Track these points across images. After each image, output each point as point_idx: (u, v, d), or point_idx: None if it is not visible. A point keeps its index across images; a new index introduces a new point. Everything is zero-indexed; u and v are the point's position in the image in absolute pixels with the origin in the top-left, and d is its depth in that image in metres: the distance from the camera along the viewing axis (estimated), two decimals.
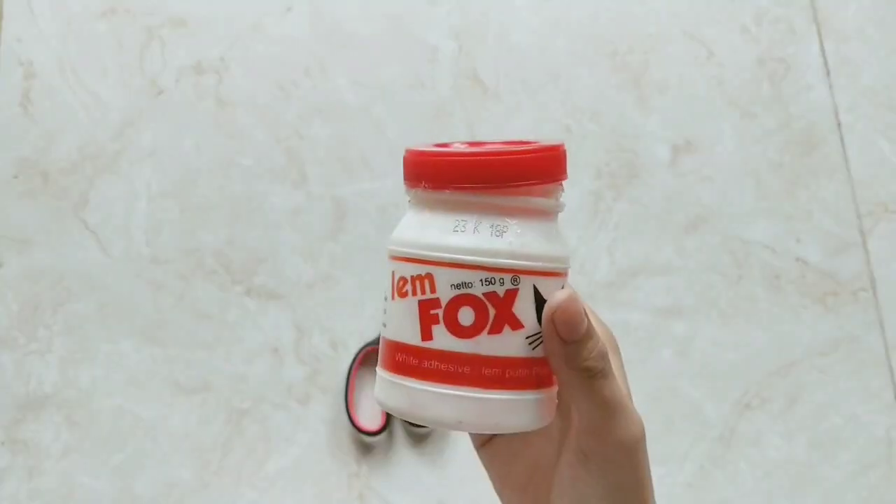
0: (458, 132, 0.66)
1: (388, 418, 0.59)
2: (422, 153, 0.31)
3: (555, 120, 0.67)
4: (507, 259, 0.29)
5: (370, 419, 0.59)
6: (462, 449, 0.60)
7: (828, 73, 0.69)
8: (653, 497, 0.32)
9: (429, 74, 0.67)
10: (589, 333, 0.30)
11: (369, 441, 0.59)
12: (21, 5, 0.67)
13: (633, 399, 0.33)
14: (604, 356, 0.31)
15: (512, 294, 0.29)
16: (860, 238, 0.65)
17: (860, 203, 0.66)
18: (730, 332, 0.63)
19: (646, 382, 0.61)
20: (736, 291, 0.63)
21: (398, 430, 0.60)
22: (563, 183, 0.31)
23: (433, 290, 0.29)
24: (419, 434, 0.60)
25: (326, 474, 0.59)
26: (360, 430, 0.59)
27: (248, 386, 0.60)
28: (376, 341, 0.56)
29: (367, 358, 0.60)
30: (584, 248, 0.64)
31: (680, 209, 0.65)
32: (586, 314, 0.30)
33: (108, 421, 0.59)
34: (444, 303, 0.29)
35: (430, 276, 0.30)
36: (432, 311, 0.30)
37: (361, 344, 0.61)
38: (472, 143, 0.31)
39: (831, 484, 0.60)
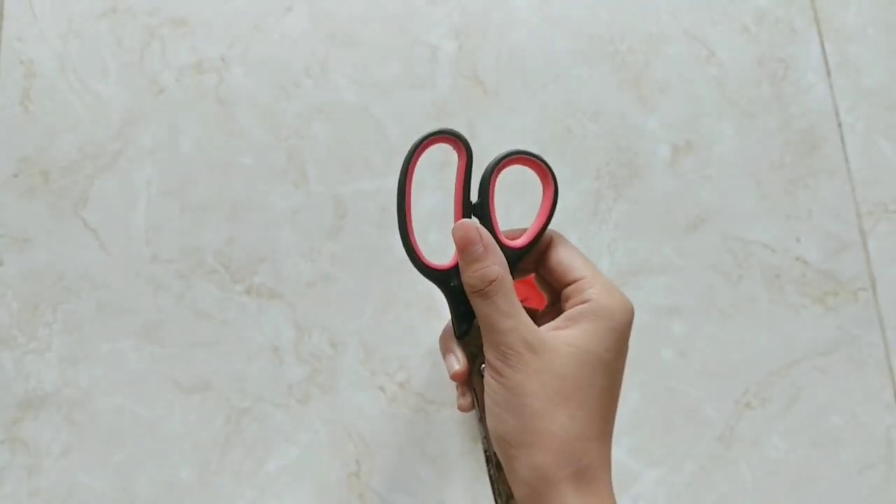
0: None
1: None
2: None
3: (555, 120, 0.67)
4: None
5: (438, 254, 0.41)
6: (462, 449, 0.60)
7: (828, 74, 0.69)
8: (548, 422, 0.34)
9: (429, 74, 0.67)
10: (476, 258, 0.36)
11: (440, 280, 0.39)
12: (21, 4, 0.67)
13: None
14: (485, 280, 0.36)
15: None
16: (860, 238, 0.65)
17: (860, 203, 0.66)
18: (730, 332, 0.63)
19: (646, 382, 0.61)
20: (736, 291, 0.63)
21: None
22: None
23: None
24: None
25: (326, 474, 0.59)
26: (428, 268, 0.39)
27: (248, 385, 0.60)
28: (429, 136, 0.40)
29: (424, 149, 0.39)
30: (584, 248, 0.64)
31: (680, 209, 0.65)
32: (483, 243, 0.36)
33: (108, 420, 0.59)
34: None
35: None
36: None
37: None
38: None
39: (831, 484, 0.60)
